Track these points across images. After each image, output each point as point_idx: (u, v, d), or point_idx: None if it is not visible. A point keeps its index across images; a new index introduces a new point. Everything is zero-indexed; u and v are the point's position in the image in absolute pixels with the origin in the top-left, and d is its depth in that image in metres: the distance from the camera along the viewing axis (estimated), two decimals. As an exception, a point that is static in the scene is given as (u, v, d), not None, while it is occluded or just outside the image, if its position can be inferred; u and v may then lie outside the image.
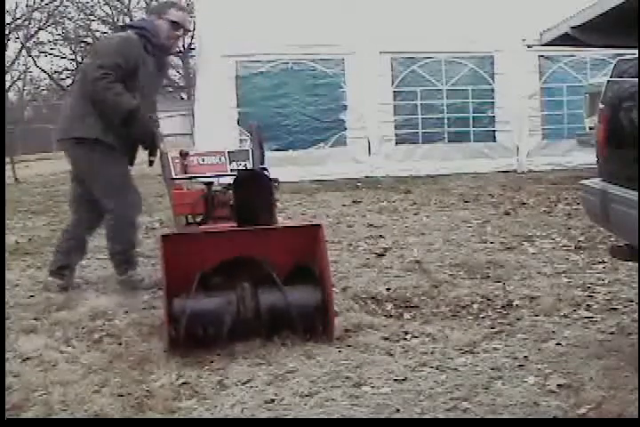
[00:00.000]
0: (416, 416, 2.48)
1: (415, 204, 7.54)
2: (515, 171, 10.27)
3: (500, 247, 5.13)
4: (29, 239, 6.24)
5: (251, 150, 4.25)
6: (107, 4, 39.61)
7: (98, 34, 40.58)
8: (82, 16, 38.46)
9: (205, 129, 9.87)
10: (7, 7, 30.13)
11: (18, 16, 33.56)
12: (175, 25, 4.17)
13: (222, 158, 4.33)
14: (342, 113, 10.29)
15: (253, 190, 3.48)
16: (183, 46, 5.08)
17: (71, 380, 2.87)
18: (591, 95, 8.61)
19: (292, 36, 9.79)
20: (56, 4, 34.90)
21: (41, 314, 3.84)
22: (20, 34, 34.33)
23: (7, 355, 3.17)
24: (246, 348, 3.11)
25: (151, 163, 4.81)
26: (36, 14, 34.59)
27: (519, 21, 9.74)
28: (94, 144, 4.10)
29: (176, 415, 2.58)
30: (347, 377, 2.81)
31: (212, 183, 4.20)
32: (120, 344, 3.30)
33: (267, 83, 10.17)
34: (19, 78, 37.60)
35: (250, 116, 9.40)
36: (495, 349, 3.08)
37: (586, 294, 3.85)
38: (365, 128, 10.25)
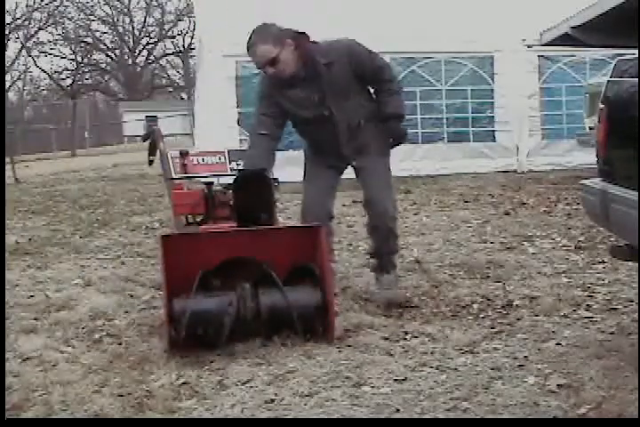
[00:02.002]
0: (416, 416, 2.48)
1: (415, 204, 7.52)
2: (515, 171, 10.25)
3: (500, 247, 5.13)
4: (29, 239, 6.24)
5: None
6: (107, 3, 39.72)
7: (98, 34, 40.70)
8: (82, 16, 38.61)
9: (205, 129, 9.85)
10: (7, 7, 30.18)
11: (18, 16, 33.64)
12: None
13: (222, 158, 4.34)
14: (342, 113, 10.27)
15: (253, 190, 3.47)
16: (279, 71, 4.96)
17: (71, 380, 2.87)
18: (591, 95, 8.60)
19: (292, 36, 9.76)
20: (56, 4, 34.99)
21: (41, 314, 3.83)
22: (20, 34, 34.41)
23: (7, 355, 3.16)
24: (246, 348, 3.11)
25: (151, 162, 4.81)
26: (36, 14, 34.69)
27: (519, 21, 9.73)
28: None
29: (176, 415, 2.58)
30: (347, 377, 2.81)
31: (212, 183, 4.20)
32: (120, 344, 3.30)
33: (267, 82, 10.14)
34: (19, 78, 37.67)
35: (250, 116, 9.37)
36: (495, 349, 3.08)
37: (586, 294, 3.85)
38: (365, 128, 10.23)
